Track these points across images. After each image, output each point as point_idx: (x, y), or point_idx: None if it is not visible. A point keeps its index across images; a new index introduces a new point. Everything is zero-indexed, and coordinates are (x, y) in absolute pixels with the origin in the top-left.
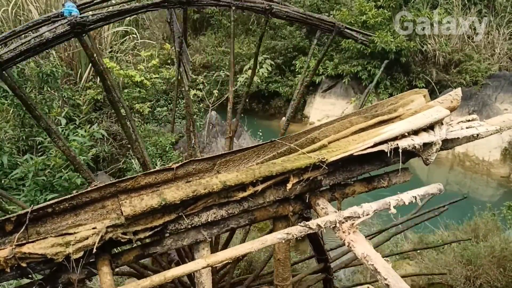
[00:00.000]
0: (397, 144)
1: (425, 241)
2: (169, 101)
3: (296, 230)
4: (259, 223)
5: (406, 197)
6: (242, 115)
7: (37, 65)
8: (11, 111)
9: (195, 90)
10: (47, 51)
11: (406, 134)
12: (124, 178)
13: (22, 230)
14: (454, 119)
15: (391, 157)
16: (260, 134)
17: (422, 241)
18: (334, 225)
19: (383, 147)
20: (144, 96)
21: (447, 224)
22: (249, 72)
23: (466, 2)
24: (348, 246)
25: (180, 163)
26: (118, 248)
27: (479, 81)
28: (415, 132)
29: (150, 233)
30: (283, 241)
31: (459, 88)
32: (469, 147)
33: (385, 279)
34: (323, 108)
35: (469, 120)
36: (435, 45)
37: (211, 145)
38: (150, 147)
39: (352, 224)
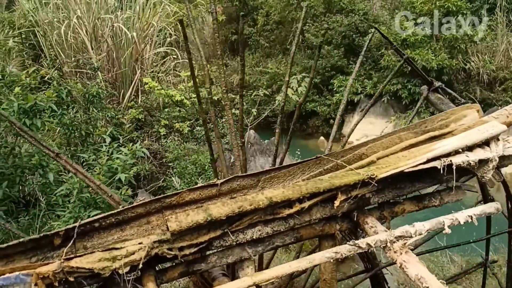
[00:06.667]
0: (450, 161)
1: (472, 264)
2: (208, 120)
3: (345, 249)
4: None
5: (462, 216)
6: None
7: (83, 86)
8: (57, 130)
9: (233, 109)
10: (94, 73)
11: (460, 150)
12: (168, 194)
13: (70, 244)
14: (505, 137)
15: (444, 174)
16: (298, 153)
17: (470, 264)
18: (384, 245)
19: (436, 163)
20: (183, 115)
21: (496, 248)
22: (288, 90)
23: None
24: (400, 267)
25: (224, 179)
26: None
27: None
28: (470, 148)
29: (195, 249)
30: (331, 261)
31: None
32: None
33: None
34: (362, 128)
35: None
36: (478, 63)
37: (250, 164)
38: (189, 166)
39: (404, 244)
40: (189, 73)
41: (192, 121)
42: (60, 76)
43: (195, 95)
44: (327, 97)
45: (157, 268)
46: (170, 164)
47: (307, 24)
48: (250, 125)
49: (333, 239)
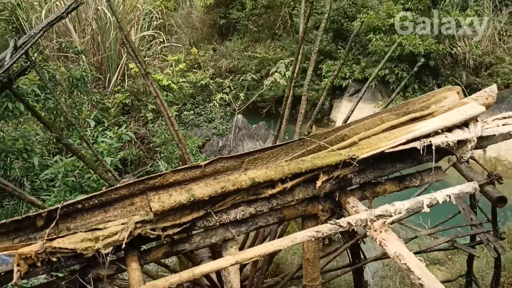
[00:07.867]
0: (430, 141)
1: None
2: (196, 105)
3: (326, 228)
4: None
5: (440, 195)
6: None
7: (67, 70)
8: (42, 115)
9: (221, 94)
10: (77, 56)
11: (440, 131)
12: (152, 175)
13: (52, 225)
14: (483, 119)
15: (423, 155)
16: (287, 137)
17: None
18: (365, 224)
19: (416, 144)
20: (171, 99)
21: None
22: (276, 75)
23: (497, 4)
24: (380, 245)
25: (208, 161)
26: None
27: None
28: (449, 129)
29: (179, 229)
30: (313, 240)
31: (495, 85)
32: (501, 151)
33: (419, 279)
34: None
35: (505, 118)
36: (465, 48)
37: (237, 148)
38: (177, 150)
39: (384, 222)
40: (176, 57)
41: (179, 106)
42: (44, 59)
43: (183, 80)
44: (315, 82)
45: (141, 249)
46: (157, 148)
47: (295, 9)
48: (238, 110)
49: (316, 219)
